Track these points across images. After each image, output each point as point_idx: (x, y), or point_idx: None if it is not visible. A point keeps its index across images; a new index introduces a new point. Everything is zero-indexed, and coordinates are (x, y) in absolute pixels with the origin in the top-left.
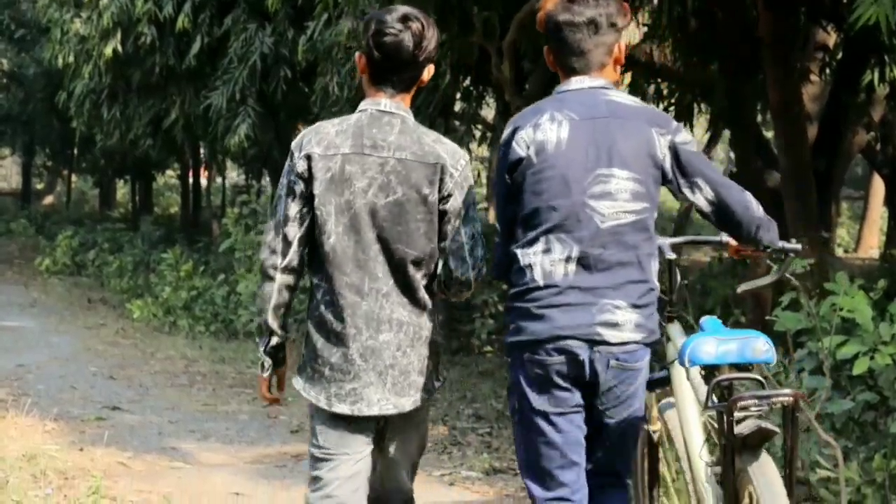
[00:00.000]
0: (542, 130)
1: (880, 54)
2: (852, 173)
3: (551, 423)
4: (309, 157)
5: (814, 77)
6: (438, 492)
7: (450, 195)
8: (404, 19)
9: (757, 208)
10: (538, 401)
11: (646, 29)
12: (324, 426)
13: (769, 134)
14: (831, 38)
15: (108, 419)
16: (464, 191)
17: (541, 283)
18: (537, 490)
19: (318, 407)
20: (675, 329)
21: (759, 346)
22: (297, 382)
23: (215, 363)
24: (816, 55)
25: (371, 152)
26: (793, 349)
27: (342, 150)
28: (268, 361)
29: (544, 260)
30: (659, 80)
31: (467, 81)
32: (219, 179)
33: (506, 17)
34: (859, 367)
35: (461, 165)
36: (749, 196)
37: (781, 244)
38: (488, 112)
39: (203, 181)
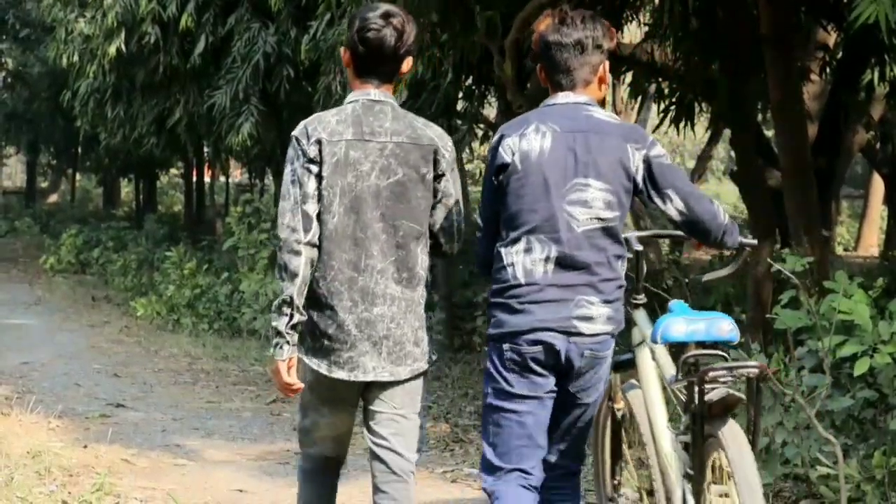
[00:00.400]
0: (527, 140)
1: (880, 53)
2: (852, 172)
3: (526, 406)
4: (319, 142)
5: (814, 76)
6: (441, 489)
7: (443, 175)
8: (386, 16)
9: (723, 216)
10: (517, 385)
11: (647, 28)
12: (318, 387)
13: (770, 133)
14: (831, 38)
15: (112, 416)
16: (454, 171)
17: (522, 280)
18: (500, 462)
19: (315, 371)
20: (640, 315)
21: (725, 326)
22: (300, 350)
23: (219, 361)
24: (817, 54)
25: (371, 138)
26: (793, 347)
27: (345, 136)
28: (291, 337)
29: (525, 259)
30: (660, 79)
31: (469, 80)
32: (222, 178)
33: (508, 16)
34: (860, 368)
35: (450, 147)
36: (716, 205)
37: (740, 240)
38: (490, 111)
39: (206, 179)
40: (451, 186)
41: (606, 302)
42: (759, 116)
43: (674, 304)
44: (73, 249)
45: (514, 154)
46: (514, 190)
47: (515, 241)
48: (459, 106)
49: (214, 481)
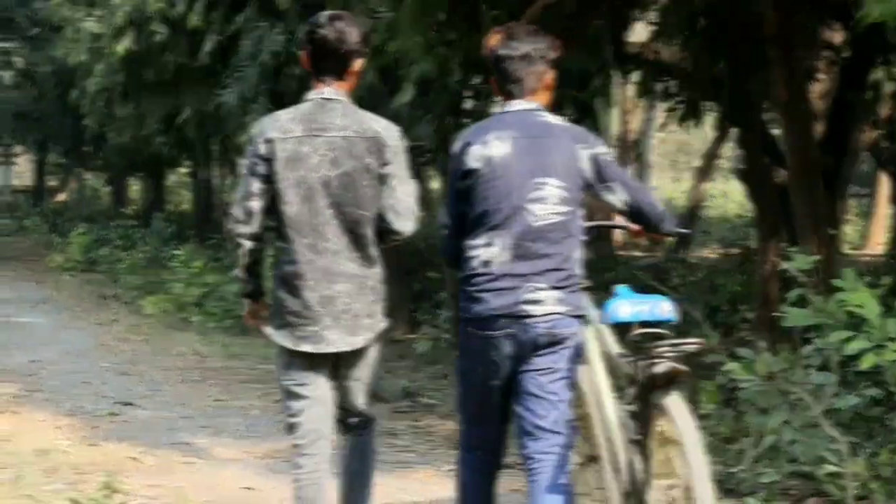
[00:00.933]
0: (490, 147)
1: (887, 52)
2: (859, 170)
3: (486, 386)
4: (269, 141)
5: (820, 75)
6: (447, 486)
7: (388, 162)
8: (330, 18)
9: (660, 205)
10: (479, 367)
11: (654, 28)
12: (291, 364)
13: (776, 132)
14: (838, 37)
15: (121, 414)
16: (399, 157)
17: (480, 270)
18: (467, 430)
19: (284, 348)
20: (585, 298)
21: (665, 307)
22: (268, 329)
23: (227, 359)
24: (823, 53)
25: (320, 133)
26: (800, 345)
27: (295, 133)
28: (247, 302)
29: (486, 252)
30: (666, 78)
31: (477, 79)
32: (231, 177)
33: (514, 16)
34: (867, 363)
35: (395, 136)
36: (654, 195)
37: (676, 230)
38: (498, 109)
39: (215, 178)
40: (397, 169)
41: (555, 288)
42: (766, 115)
43: (619, 288)
44: (81, 248)
45: (478, 160)
46: (480, 192)
47: (479, 236)
48: (467, 104)
49: (222, 479)
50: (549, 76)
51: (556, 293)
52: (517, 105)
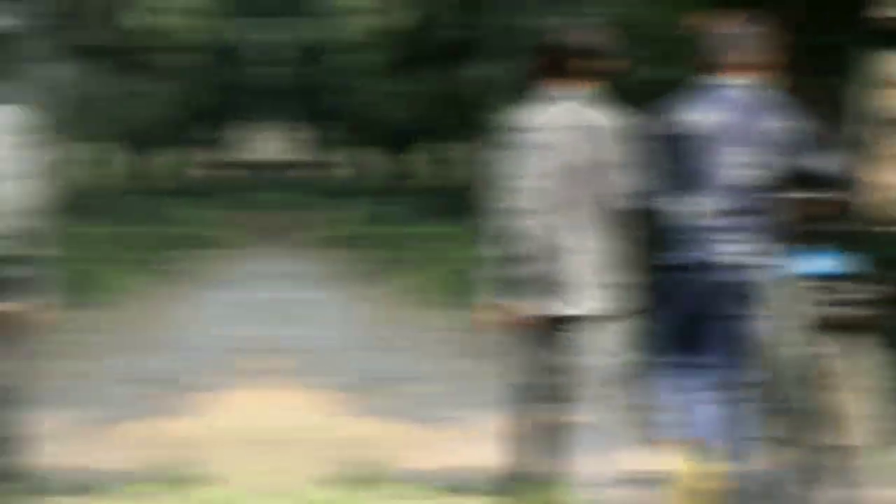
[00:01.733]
0: (702, 114)
1: None
2: None
3: (694, 324)
4: (537, 128)
5: None
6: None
7: (625, 151)
8: (566, 26)
9: (845, 170)
10: (684, 310)
11: None
12: (535, 323)
13: None
14: None
15: (386, 390)
16: (632, 147)
17: (701, 223)
18: (675, 356)
19: (533, 308)
20: (785, 254)
21: (843, 263)
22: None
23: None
24: None
25: (580, 124)
26: None
27: (559, 123)
28: (524, 286)
29: (701, 207)
30: None
31: None
32: (492, 154)
33: None
34: None
35: (631, 129)
36: (840, 161)
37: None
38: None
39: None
40: (631, 157)
41: (759, 241)
42: None
43: (803, 248)
44: (351, 223)
45: (692, 126)
46: (692, 154)
47: (693, 193)
48: None
49: (493, 453)
50: (759, 57)
51: (760, 248)
52: (728, 80)
